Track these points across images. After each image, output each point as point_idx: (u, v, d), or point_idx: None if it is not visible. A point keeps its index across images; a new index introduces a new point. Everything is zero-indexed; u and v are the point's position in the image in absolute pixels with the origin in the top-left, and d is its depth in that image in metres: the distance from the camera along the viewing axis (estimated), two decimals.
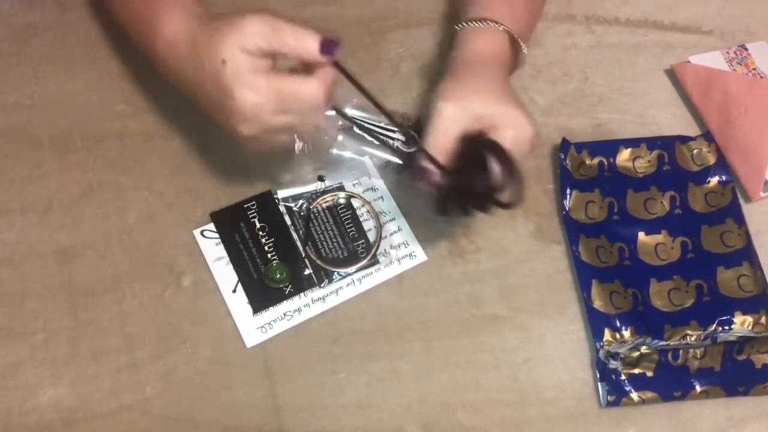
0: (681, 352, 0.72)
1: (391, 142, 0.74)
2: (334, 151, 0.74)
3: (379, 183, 0.79)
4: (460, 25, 0.73)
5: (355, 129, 0.71)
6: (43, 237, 0.76)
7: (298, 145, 0.66)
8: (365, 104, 0.78)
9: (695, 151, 0.81)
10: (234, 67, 0.59)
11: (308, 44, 0.59)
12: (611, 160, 0.80)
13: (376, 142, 0.72)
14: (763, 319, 0.72)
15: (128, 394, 0.70)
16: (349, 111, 0.70)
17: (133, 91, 0.82)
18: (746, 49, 0.86)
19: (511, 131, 0.66)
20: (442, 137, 0.66)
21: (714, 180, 0.80)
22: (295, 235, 0.76)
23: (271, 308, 0.73)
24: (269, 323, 0.73)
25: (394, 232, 0.77)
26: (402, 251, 0.76)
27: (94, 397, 0.70)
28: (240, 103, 0.60)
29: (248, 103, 0.60)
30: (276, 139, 0.64)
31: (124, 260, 0.75)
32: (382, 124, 0.75)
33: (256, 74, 0.60)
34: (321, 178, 0.78)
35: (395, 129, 0.74)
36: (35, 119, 0.81)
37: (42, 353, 0.71)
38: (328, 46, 0.59)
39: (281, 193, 0.77)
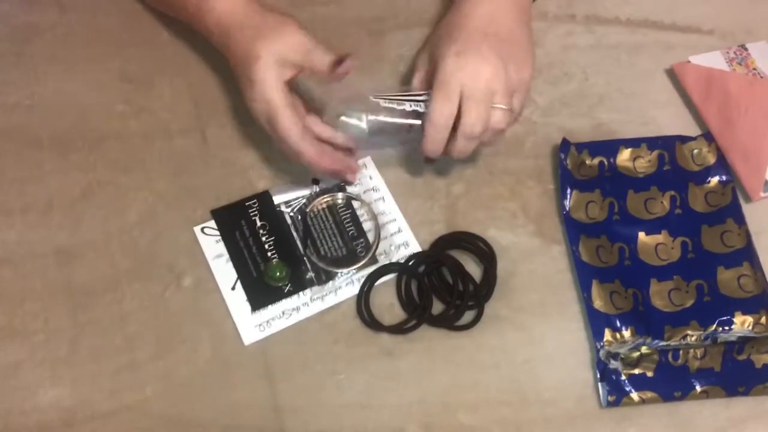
0: (681, 352, 0.72)
1: (416, 106, 0.73)
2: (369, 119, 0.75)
3: (381, 184, 0.79)
4: None
5: (382, 102, 0.73)
6: (43, 237, 0.76)
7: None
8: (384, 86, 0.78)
9: (695, 151, 0.81)
10: (266, 65, 0.70)
11: (324, 63, 0.71)
12: (611, 160, 0.80)
13: (409, 108, 0.73)
14: (763, 320, 0.72)
15: (128, 394, 0.70)
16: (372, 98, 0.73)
17: (133, 91, 0.82)
18: (746, 49, 0.86)
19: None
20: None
21: (714, 180, 0.80)
22: (295, 235, 0.76)
23: (269, 306, 0.73)
24: (267, 321, 0.73)
25: (395, 233, 0.77)
26: (402, 252, 0.76)
27: (94, 397, 0.70)
28: (251, 94, 0.71)
29: (253, 105, 0.72)
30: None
31: (124, 260, 0.75)
32: (404, 95, 0.74)
33: (280, 84, 0.70)
34: (315, 182, 0.78)
35: (418, 95, 0.74)
36: (35, 119, 0.81)
37: (42, 353, 0.71)
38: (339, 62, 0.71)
39: (276, 199, 0.77)
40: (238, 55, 0.72)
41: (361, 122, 0.74)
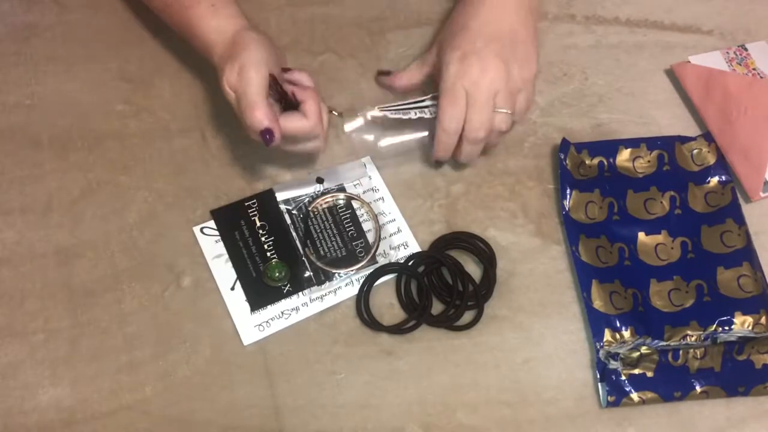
0: (681, 352, 0.72)
1: (420, 113, 0.77)
2: (382, 144, 0.79)
3: (380, 184, 0.79)
4: None
5: (389, 114, 0.78)
6: (43, 237, 0.76)
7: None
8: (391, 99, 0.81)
9: (695, 151, 0.81)
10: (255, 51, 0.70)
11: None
12: (611, 160, 0.80)
13: (414, 116, 0.77)
14: (763, 320, 0.72)
15: (128, 394, 0.70)
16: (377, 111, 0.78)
17: (133, 91, 0.82)
18: (746, 49, 0.86)
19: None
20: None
21: (714, 180, 0.80)
22: (294, 235, 0.76)
23: (269, 306, 0.73)
24: (266, 321, 0.73)
25: (394, 233, 0.77)
26: (401, 252, 0.76)
27: (94, 397, 0.70)
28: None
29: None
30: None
31: (124, 260, 0.75)
32: (411, 102, 0.78)
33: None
34: (320, 180, 0.78)
35: (420, 101, 0.77)
36: (35, 119, 0.81)
37: (42, 353, 0.71)
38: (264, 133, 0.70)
39: (279, 196, 0.77)
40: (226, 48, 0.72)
41: (375, 142, 0.79)
